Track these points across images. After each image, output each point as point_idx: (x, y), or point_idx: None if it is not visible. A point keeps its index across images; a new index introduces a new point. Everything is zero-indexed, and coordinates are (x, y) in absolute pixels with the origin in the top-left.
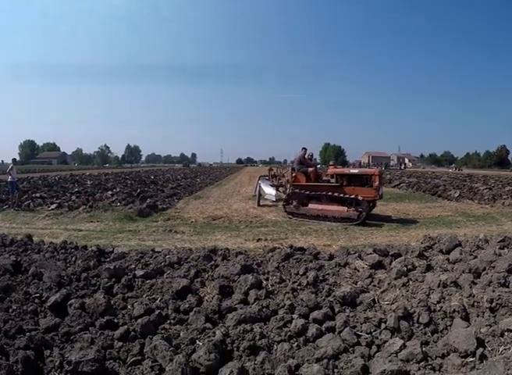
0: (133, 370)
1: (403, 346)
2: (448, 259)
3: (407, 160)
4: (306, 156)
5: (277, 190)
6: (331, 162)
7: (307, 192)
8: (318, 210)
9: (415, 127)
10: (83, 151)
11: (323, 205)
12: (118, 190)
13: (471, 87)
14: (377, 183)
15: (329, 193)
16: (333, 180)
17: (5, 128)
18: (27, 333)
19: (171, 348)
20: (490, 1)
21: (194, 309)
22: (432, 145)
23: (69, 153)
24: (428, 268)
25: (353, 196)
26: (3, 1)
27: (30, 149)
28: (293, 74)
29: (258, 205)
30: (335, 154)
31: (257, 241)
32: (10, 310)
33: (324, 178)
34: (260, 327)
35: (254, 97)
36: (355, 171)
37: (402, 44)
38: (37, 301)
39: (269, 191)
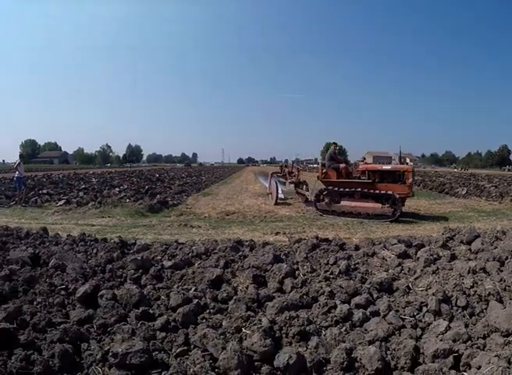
0: (183, 361)
1: (448, 327)
2: (470, 249)
3: (408, 160)
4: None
5: (295, 187)
6: (361, 159)
7: (341, 189)
8: (351, 207)
9: (416, 127)
10: (85, 151)
11: (356, 202)
12: (125, 187)
13: (471, 86)
14: (410, 179)
15: (365, 189)
16: (364, 177)
17: (6, 128)
18: (59, 326)
19: (222, 336)
20: (490, 1)
21: (234, 298)
22: (432, 145)
23: (70, 152)
24: (453, 257)
25: (389, 192)
26: (4, 2)
27: (31, 148)
28: (294, 74)
29: (276, 203)
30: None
31: (276, 234)
32: (35, 303)
33: (354, 175)
34: (305, 313)
35: (255, 97)
36: (388, 167)
37: (402, 44)
38: (63, 292)
39: (279, 188)
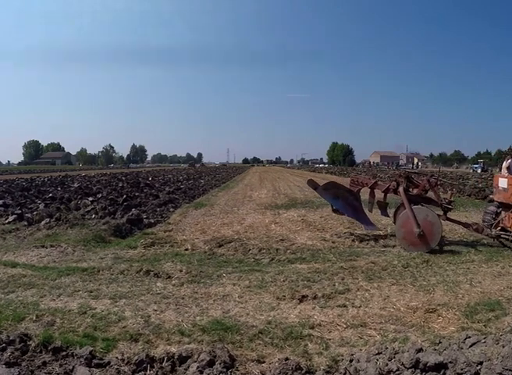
0: None
1: None
2: None
3: (416, 160)
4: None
5: (446, 216)
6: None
7: None
8: None
9: (423, 126)
10: (88, 152)
11: None
12: (101, 195)
13: (479, 85)
14: None
15: None
16: None
17: (9, 128)
18: None
19: None
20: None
21: None
22: (439, 144)
23: (73, 153)
24: None
25: None
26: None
27: (34, 149)
28: (299, 73)
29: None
30: (343, 153)
31: (300, 301)
32: None
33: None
34: None
35: (260, 97)
36: None
37: (408, 43)
38: None
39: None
